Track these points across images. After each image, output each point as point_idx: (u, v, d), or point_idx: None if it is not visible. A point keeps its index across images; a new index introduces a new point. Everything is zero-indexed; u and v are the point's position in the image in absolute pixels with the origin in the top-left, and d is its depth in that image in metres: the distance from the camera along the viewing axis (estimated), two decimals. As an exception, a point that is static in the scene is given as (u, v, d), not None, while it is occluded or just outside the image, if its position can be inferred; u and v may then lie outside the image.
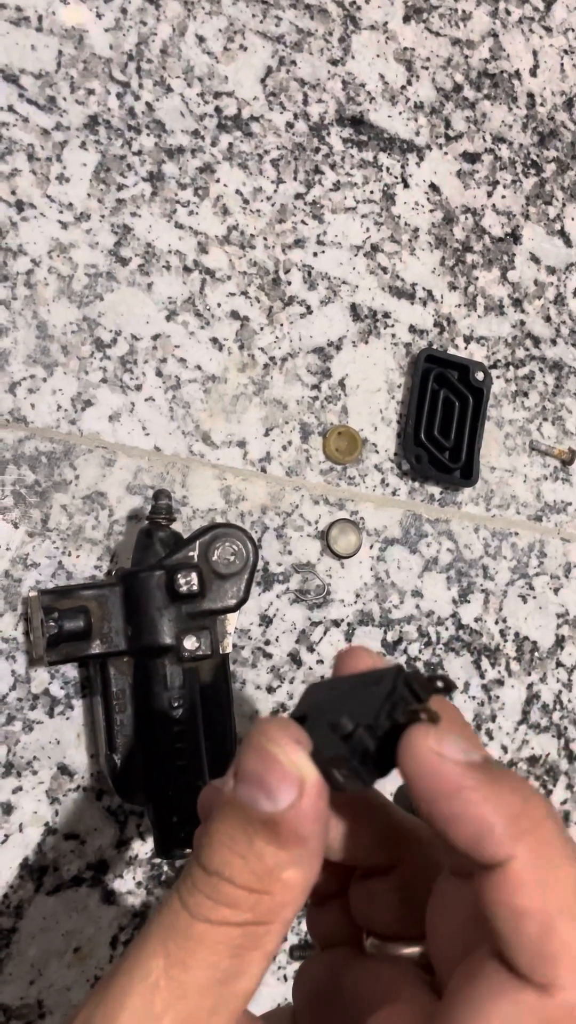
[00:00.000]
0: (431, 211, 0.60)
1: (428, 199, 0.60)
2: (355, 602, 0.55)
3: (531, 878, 0.19)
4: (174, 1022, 0.20)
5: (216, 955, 0.20)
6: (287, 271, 0.55)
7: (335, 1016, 0.26)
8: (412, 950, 0.26)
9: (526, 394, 0.61)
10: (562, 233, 0.63)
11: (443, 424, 0.57)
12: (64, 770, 0.47)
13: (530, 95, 0.64)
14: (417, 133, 0.60)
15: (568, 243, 0.63)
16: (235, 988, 0.20)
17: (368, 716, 0.21)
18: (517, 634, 0.59)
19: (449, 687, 0.22)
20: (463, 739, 0.21)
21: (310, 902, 0.29)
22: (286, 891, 0.20)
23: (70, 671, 0.48)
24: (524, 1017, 0.19)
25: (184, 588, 0.43)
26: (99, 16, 0.53)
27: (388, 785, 0.55)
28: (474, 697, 0.57)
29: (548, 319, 0.62)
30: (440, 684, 0.22)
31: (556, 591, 0.60)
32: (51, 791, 0.47)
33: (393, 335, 0.57)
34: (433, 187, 0.60)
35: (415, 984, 0.24)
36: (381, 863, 0.26)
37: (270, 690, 0.52)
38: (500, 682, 0.58)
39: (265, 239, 0.55)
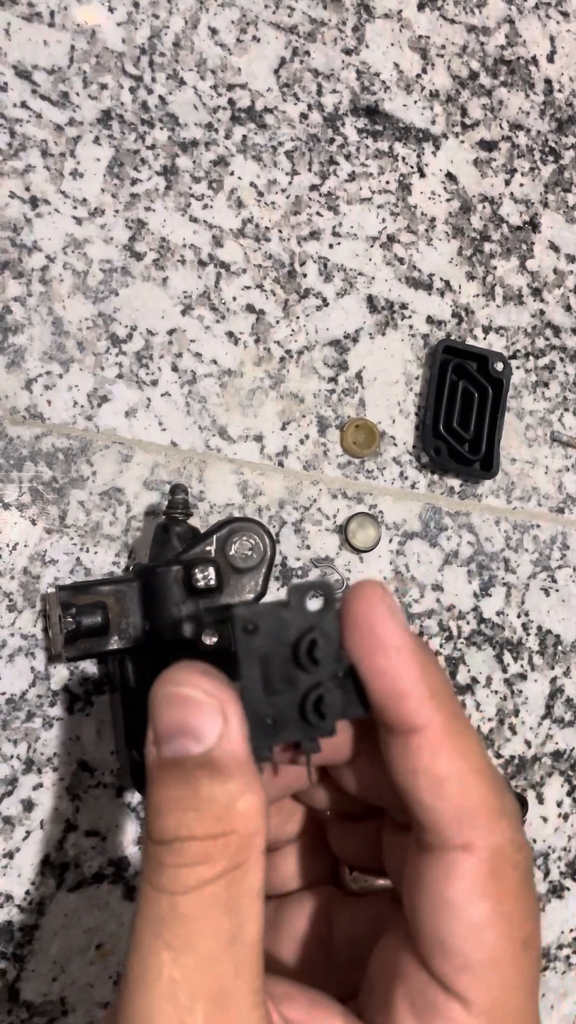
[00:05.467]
0: (448, 200, 0.59)
1: (445, 188, 0.59)
2: (375, 596, 0.54)
3: (448, 743, 0.21)
4: (207, 1006, 0.19)
5: (213, 919, 0.19)
6: (303, 263, 0.55)
7: (326, 954, 0.27)
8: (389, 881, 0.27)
9: (546, 384, 0.60)
10: (582, 221, 0.62)
11: (462, 416, 0.56)
12: (84, 766, 0.47)
13: (547, 81, 0.63)
14: (433, 122, 0.59)
15: (588, 231, 0.62)
16: (244, 939, 0.20)
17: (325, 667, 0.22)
18: (540, 627, 0.58)
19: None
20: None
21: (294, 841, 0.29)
22: (248, 821, 0.20)
23: (89, 667, 0.48)
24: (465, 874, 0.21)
25: (201, 583, 0.43)
26: (111, 10, 0.52)
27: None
28: (496, 691, 0.56)
29: (568, 308, 0.61)
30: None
31: (579, 584, 0.59)
32: (71, 787, 0.47)
33: (410, 326, 0.57)
34: (450, 176, 0.59)
35: (396, 916, 0.24)
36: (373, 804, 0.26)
37: (290, 685, 0.52)
38: (523, 676, 0.57)
39: (280, 231, 0.55)
